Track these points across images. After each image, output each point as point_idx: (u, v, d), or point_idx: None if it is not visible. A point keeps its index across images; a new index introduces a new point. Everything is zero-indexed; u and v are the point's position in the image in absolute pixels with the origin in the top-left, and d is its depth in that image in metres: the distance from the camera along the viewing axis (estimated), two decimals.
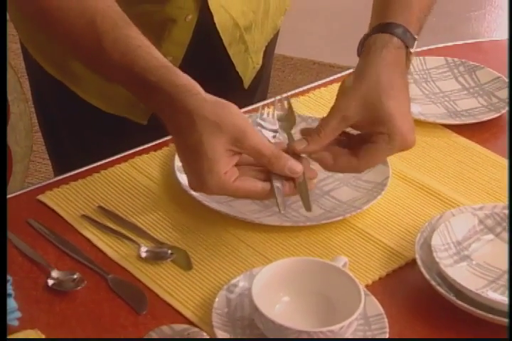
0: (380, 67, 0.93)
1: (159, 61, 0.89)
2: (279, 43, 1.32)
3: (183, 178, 0.99)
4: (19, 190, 1.01)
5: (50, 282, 0.86)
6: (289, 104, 1.01)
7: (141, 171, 1.03)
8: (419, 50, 1.26)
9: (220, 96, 0.99)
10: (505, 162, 1.06)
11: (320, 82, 1.21)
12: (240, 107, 1.13)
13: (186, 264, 0.90)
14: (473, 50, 1.29)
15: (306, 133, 0.93)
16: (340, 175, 1.03)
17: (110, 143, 1.17)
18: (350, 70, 1.22)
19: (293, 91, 1.19)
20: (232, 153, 0.85)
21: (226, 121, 0.85)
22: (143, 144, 1.08)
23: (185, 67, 1.13)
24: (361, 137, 0.93)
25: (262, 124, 1.00)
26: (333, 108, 0.92)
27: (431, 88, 1.19)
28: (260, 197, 0.88)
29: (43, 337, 0.81)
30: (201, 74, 1.19)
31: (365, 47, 0.96)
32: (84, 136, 1.25)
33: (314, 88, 1.20)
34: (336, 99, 0.93)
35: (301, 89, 1.20)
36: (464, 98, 1.18)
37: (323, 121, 0.91)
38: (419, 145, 1.09)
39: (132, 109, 1.17)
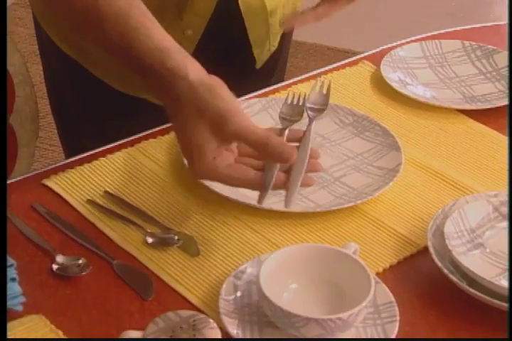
0: None
1: (154, 43, 0.86)
2: None
3: None
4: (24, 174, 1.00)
5: (55, 267, 0.85)
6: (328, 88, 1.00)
7: (148, 156, 1.01)
8: (435, 33, 1.25)
9: (233, 76, 0.98)
10: None
11: (332, 66, 1.19)
12: (254, 89, 1.12)
13: (194, 250, 0.88)
14: (491, 33, 1.26)
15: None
16: (352, 161, 1.01)
17: (124, 124, 1.16)
18: (365, 54, 1.22)
19: (304, 76, 1.17)
20: (220, 138, 0.82)
21: (208, 106, 0.82)
22: (158, 126, 1.06)
23: (205, 44, 1.12)
24: None
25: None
26: None
27: (446, 73, 1.17)
28: (253, 186, 0.85)
29: (47, 322, 0.80)
30: (218, 54, 1.18)
31: None
32: (97, 117, 1.24)
33: (326, 72, 1.18)
34: None
35: (312, 74, 1.17)
36: (481, 83, 1.15)
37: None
38: (434, 131, 1.07)
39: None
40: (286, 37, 1.27)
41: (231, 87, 1.16)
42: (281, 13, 1.21)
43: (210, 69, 1.24)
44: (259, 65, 1.21)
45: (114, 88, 1.17)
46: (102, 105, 1.22)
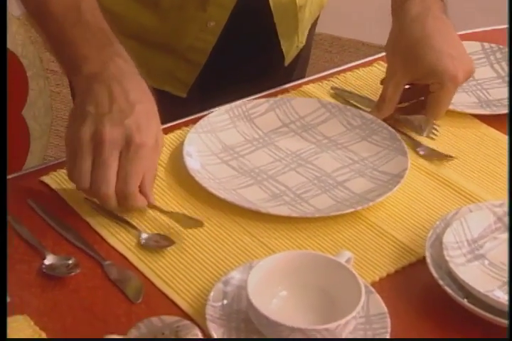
0: (407, 23, 1.00)
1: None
2: (326, 23, 1.29)
3: (190, 163, 0.96)
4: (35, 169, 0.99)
5: (43, 266, 0.84)
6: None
7: None
8: None
9: (259, 72, 0.96)
10: None
11: (346, 67, 1.17)
12: (279, 84, 1.10)
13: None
14: None
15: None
16: (357, 165, 0.99)
17: None
18: (380, 54, 1.19)
19: (314, 76, 1.14)
20: None
21: None
22: (179, 118, 1.04)
23: (227, 37, 1.10)
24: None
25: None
26: (386, 75, 1.03)
27: None
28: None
29: (31, 323, 0.79)
30: (243, 47, 1.17)
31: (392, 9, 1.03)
32: None
33: (339, 72, 1.15)
34: (387, 67, 1.03)
35: (324, 74, 1.15)
36: (498, 87, 1.12)
37: (382, 91, 1.02)
38: (445, 135, 1.04)
39: (171, 80, 1.15)
40: (310, 32, 1.25)
41: (257, 83, 1.15)
42: (310, 8, 1.19)
43: (237, 63, 1.23)
44: (287, 61, 1.20)
45: None
46: None
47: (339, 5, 1.67)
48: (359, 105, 1.07)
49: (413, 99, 1.04)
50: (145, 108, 0.87)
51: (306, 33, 1.23)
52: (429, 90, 1.00)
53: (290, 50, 1.20)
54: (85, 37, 0.88)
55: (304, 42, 1.23)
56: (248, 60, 1.20)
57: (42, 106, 1.27)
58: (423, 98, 1.02)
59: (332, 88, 1.10)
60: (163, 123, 1.04)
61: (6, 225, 0.78)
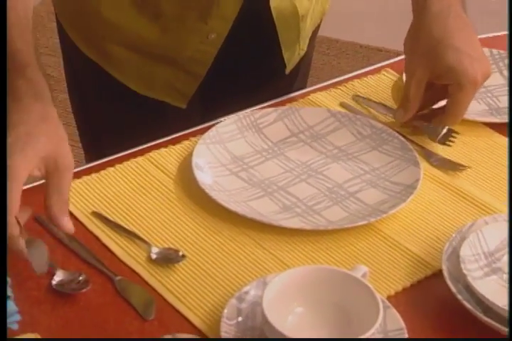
0: (428, 20, 0.99)
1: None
2: (324, 25, 1.27)
3: (200, 175, 0.95)
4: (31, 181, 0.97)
5: (53, 283, 0.82)
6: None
7: (158, 166, 0.98)
8: None
9: (261, 82, 0.93)
10: None
11: (353, 74, 1.15)
12: (280, 94, 1.09)
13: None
14: None
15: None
16: (368, 175, 0.97)
17: (145, 128, 1.14)
18: (388, 61, 1.17)
19: (323, 84, 1.13)
20: None
21: None
22: (180, 131, 1.03)
23: (228, 48, 1.09)
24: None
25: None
26: (405, 72, 1.03)
27: None
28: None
29: None
30: (244, 57, 1.15)
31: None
32: (117, 119, 1.22)
33: (347, 80, 1.13)
34: (405, 65, 1.03)
35: (332, 81, 1.13)
36: (508, 94, 1.10)
37: (405, 90, 1.01)
38: (457, 144, 1.03)
39: (171, 91, 1.14)
40: (311, 38, 1.24)
41: (258, 92, 1.14)
42: (311, 15, 1.18)
43: (237, 73, 1.21)
44: (289, 69, 1.18)
45: (132, 90, 1.15)
46: (123, 108, 1.20)
47: (337, 8, 1.65)
48: (384, 112, 1.06)
49: (432, 104, 1.03)
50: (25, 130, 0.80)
51: (308, 40, 1.22)
52: (448, 92, 0.98)
53: (292, 58, 1.19)
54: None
55: (306, 49, 1.22)
56: (249, 69, 1.19)
57: None
58: (441, 104, 1.01)
59: (353, 97, 1.09)
60: (165, 134, 1.04)
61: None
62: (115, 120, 1.22)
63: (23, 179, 0.78)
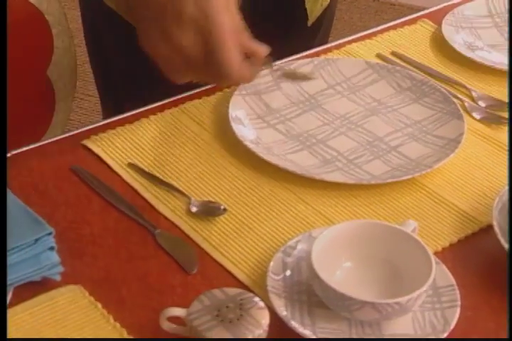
0: None
1: None
2: None
3: (238, 128, 0.92)
4: (61, 130, 0.95)
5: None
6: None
7: (192, 117, 0.95)
8: None
9: (282, 33, 0.89)
10: None
11: (388, 25, 1.12)
12: (302, 48, 1.06)
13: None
14: None
15: None
16: (410, 129, 0.95)
17: (164, 80, 1.10)
18: (425, 11, 1.14)
19: (359, 34, 1.09)
20: None
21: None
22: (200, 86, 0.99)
23: None
24: None
25: None
26: None
27: None
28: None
29: (86, 293, 0.75)
30: (264, 6, 1.12)
31: None
32: (140, 69, 1.18)
33: (382, 31, 1.10)
34: None
35: (367, 32, 1.10)
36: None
37: None
38: (499, 97, 1.00)
39: None
40: None
41: (279, 43, 1.10)
42: None
43: (258, 22, 1.18)
44: (311, 21, 1.15)
45: None
46: (145, 60, 1.16)
47: None
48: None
49: None
50: None
51: None
52: None
53: (314, 8, 1.15)
54: None
55: (329, 0, 1.18)
56: (270, 19, 1.15)
57: (67, 65, 1.21)
58: None
59: (392, 52, 1.05)
60: (190, 89, 0.99)
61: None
62: (133, 72, 1.18)
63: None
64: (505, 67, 1.02)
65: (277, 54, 1.06)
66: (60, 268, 0.76)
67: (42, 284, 0.75)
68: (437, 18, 1.09)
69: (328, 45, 1.08)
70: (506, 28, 1.09)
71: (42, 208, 0.80)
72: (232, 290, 0.73)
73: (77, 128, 0.93)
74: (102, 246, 0.80)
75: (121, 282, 0.77)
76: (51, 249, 0.76)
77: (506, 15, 1.10)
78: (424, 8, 1.15)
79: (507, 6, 1.11)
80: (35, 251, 0.74)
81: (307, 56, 1.05)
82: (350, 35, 1.10)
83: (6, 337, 0.70)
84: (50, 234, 0.76)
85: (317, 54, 1.06)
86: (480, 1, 1.11)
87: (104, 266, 0.79)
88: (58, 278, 0.76)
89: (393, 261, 0.77)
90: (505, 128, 0.95)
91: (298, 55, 1.05)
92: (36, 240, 0.75)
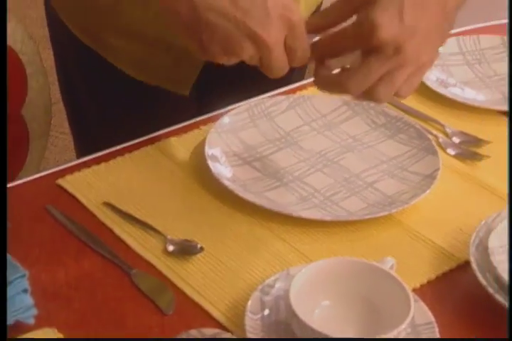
0: None
1: None
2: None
3: (214, 165, 0.92)
4: (36, 168, 0.94)
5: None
6: None
7: (168, 155, 0.95)
8: (472, 27, 1.18)
9: (258, 70, 0.89)
10: None
11: None
12: (278, 85, 1.05)
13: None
14: None
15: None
16: (385, 165, 0.95)
17: (141, 117, 1.10)
18: None
19: None
20: None
21: None
22: (178, 122, 0.99)
23: None
24: None
25: None
26: None
27: (485, 70, 1.10)
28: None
29: (61, 336, 0.74)
30: None
31: None
32: (111, 109, 1.17)
33: None
34: None
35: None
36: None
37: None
38: (474, 134, 1.00)
39: (174, 76, 1.09)
40: None
41: (255, 80, 1.10)
42: (305, 2, 1.14)
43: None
44: None
45: (130, 77, 1.11)
46: (118, 97, 1.16)
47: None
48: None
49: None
50: None
51: None
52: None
53: None
54: None
55: None
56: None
57: (42, 105, 1.21)
58: None
59: None
60: (169, 124, 0.99)
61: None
62: (107, 110, 1.18)
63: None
64: (478, 103, 1.03)
65: (253, 91, 1.06)
66: (34, 311, 0.74)
67: (15, 327, 0.74)
68: None
69: (304, 82, 1.08)
70: (477, 66, 1.10)
71: (16, 250, 0.79)
72: (210, 330, 0.72)
73: (52, 167, 0.93)
74: (76, 288, 0.79)
75: (97, 324, 0.76)
76: (25, 291, 0.74)
77: (476, 53, 1.12)
78: None
79: (477, 45, 1.12)
80: (8, 293, 0.73)
81: (283, 93, 1.05)
82: None
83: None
84: (23, 276, 0.75)
85: (293, 91, 1.06)
86: (451, 39, 1.13)
87: (79, 309, 0.77)
88: (32, 321, 0.74)
89: (372, 298, 0.77)
90: (480, 164, 0.96)
91: (274, 92, 1.06)
92: (9, 282, 0.73)
